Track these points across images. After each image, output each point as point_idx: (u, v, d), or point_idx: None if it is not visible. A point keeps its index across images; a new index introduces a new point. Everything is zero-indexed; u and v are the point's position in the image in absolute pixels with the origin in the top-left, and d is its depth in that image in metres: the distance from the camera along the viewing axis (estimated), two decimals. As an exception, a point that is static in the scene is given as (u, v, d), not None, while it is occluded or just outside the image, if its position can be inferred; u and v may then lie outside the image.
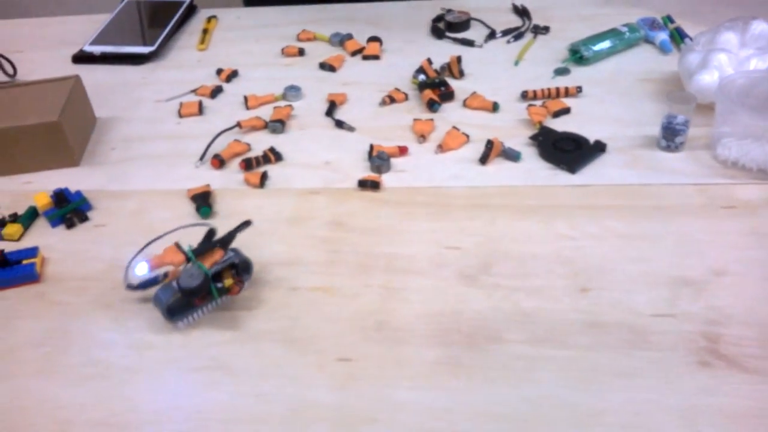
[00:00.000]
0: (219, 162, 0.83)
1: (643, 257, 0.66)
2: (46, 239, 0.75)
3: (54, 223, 0.78)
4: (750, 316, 0.60)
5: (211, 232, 0.65)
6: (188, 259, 0.63)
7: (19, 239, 0.76)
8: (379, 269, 0.68)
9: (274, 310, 0.64)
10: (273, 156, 0.83)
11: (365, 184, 0.77)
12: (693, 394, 0.54)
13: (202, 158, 0.85)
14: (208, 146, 0.86)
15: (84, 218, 0.78)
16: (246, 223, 0.65)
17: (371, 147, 0.82)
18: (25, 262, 0.71)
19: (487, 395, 0.55)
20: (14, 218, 0.78)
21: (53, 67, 1.09)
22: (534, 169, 0.78)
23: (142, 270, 0.64)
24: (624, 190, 0.74)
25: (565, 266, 0.66)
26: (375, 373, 0.58)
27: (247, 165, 0.82)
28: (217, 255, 0.64)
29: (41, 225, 0.78)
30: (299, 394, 0.57)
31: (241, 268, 0.66)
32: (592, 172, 0.77)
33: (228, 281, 0.63)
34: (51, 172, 0.86)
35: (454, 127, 0.84)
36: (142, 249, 0.66)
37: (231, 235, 0.65)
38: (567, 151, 0.78)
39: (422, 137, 0.84)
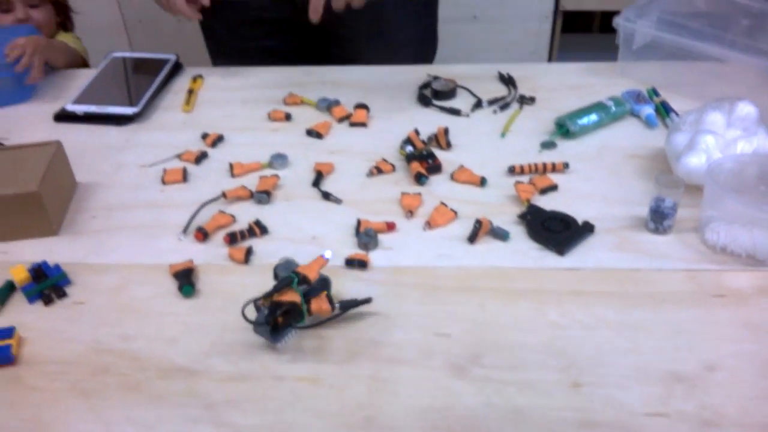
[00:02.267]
0: (203, 235, 0.81)
1: (635, 349, 0.65)
2: (23, 316, 0.73)
3: (31, 299, 0.75)
4: (745, 416, 0.59)
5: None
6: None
7: (-7, 316, 0.74)
8: (367, 357, 0.66)
9: (258, 402, 0.62)
10: (258, 229, 0.82)
11: (352, 263, 0.76)
12: (689, 503, 0.53)
13: (185, 230, 0.83)
14: (192, 218, 0.84)
15: (62, 294, 0.75)
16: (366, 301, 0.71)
17: (359, 222, 0.81)
18: (0, 343, 0.69)
19: (479, 502, 0.54)
20: (-10, 293, 0.75)
21: (33, 125, 1.07)
22: (523, 249, 0.78)
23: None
24: (613, 275, 0.74)
25: (557, 358, 0.65)
26: (363, 476, 0.56)
27: (232, 239, 0.80)
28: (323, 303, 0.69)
29: (18, 299, 0.75)
30: (284, 499, 0.55)
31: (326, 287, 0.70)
32: (581, 254, 0.77)
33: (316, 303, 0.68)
34: (28, 241, 0.84)
35: (442, 203, 0.83)
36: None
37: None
38: (556, 232, 0.78)
39: (410, 212, 0.83)
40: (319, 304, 0.68)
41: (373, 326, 0.69)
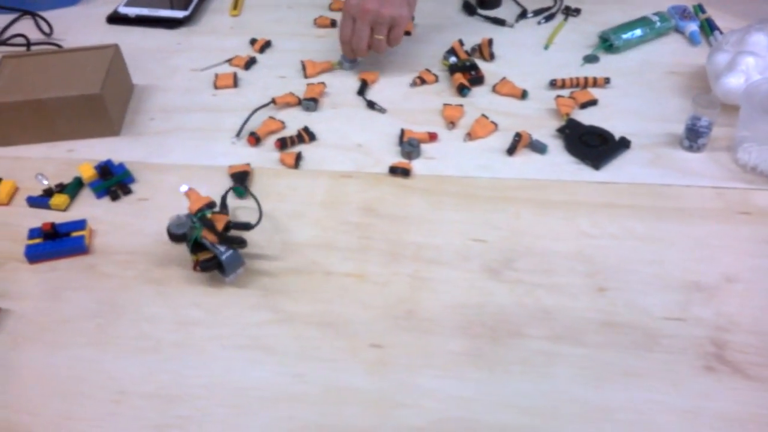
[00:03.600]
0: (255, 139, 0.86)
1: (659, 259, 0.70)
2: (92, 210, 0.80)
3: (99, 194, 0.81)
4: (756, 325, 0.64)
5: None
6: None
7: (65, 209, 0.80)
8: (409, 258, 0.72)
9: (310, 293, 0.69)
10: (307, 136, 0.86)
11: (396, 171, 0.81)
12: (697, 397, 0.59)
13: (238, 135, 0.88)
14: (244, 123, 0.88)
15: (128, 191, 0.82)
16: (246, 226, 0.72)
17: (402, 132, 0.85)
18: (74, 234, 0.75)
19: (508, 388, 0.60)
20: (61, 188, 0.82)
21: (87, 27, 1.11)
22: (559, 162, 0.81)
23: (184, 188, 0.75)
24: (645, 190, 0.77)
25: (585, 264, 0.70)
26: (404, 361, 0.63)
27: (282, 144, 0.85)
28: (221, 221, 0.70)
29: (86, 195, 0.82)
30: (334, 377, 0.62)
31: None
32: (616, 169, 0.80)
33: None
34: (92, 140, 0.89)
35: (483, 115, 0.87)
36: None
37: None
38: (592, 146, 0.81)
39: (452, 123, 0.87)
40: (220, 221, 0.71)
41: (415, 231, 0.75)
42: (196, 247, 0.69)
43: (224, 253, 0.68)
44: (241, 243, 0.70)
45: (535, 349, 0.63)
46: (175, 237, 0.69)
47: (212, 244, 0.68)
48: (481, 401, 0.59)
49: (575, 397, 0.59)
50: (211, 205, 0.75)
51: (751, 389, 0.59)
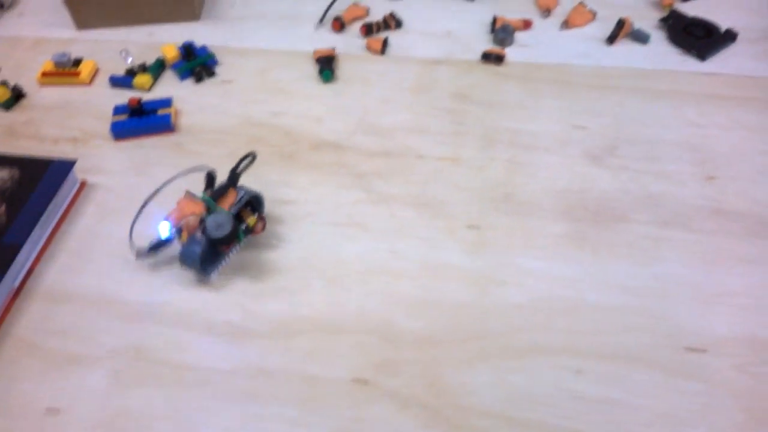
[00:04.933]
0: (340, 25, 0.83)
1: (773, 150, 0.67)
2: (176, 91, 0.78)
3: (183, 76, 0.80)
4: None
5: (210, 176, 0.61)
6: (208, 208, 0.59)
7: (149, 89, 0.79)
8: (504, 143, 0.69)
9: (403, 175, 0.67)
10: (393, 22, 0.83)
11: (489, 57, 0.77)
12: (815, 285, 0.56)
13: (322, 20, 0.85)
14: (328, 8, 0.86)
15: (211, 73, 0.80)
16: (249, 156, 0.64)
17: (494, 19, 0.82)
18: (160, 111, 0.74)
19: (613, 269, 0.58)
20: (144, 68, 0.80)
21: None
22: (663, 52, 0.77)
23: (165, 230, 0.59)
24: (753, 82, 0.73)
25: (693, 153, 0.67)
26: (503, 242, 0.61)
27: (368, 30, 0.82)
28: (231, 196, 0.60)
29: (169, 77, 0.80)
30: (432, 254, 0.60)
31: (255, 204, 0.62)
32: (722, 61, 0.76)
33: (251, 220, 0.59)
34: (172, 25, 0.87)
35: (581, 3, 0.82)
36: (140, 210, 0.62)
37: (237, 173, 0.61)
38: (698, 37, 0.77)
39: (547, 11, 0.83)
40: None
41: (510, 117, 0.72)
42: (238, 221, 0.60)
43: (247, 192, 0.60)
44: (250, 156, 0.63)
45: (641, 233, 0.61)
46: (221, 241, 0.57)
47: (236, 200, 0.60)
48: (586, 281, 0.58)
49: (686, 279, 0.57)
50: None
51: None
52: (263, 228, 0.60)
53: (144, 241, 0.62)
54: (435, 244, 0.61)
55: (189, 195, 0.60)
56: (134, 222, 0.61)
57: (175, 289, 0.59)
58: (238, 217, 0.60)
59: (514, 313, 0.56)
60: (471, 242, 0.61)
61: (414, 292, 0.58)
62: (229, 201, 0.60)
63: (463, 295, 0.57)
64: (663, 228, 0.61)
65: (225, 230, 0.56)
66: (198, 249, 0.57)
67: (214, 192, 0.60)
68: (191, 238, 0.58)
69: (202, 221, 0.58)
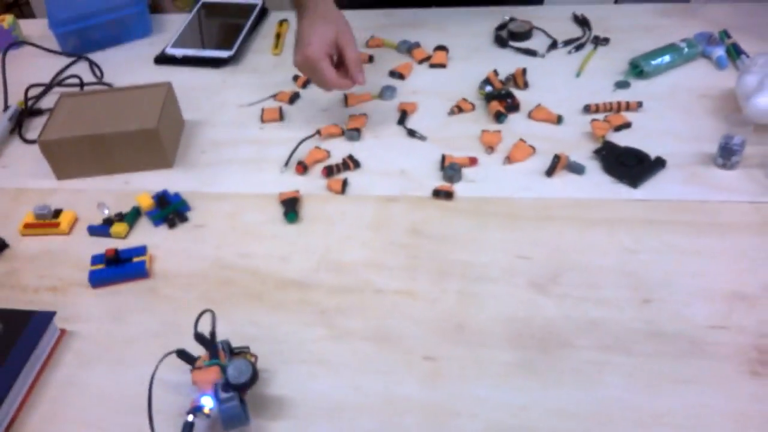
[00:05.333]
0: (303, 168, 0.90)
1: (701, 272, 0.72)
2: (151, 238, 0.84)
3: (157, 222, 0.86)
4: (800, 331, 0.66)
5: (202, 337, 0.63)
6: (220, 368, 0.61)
7: (125, 237, 0.84)
8: (456, 276, 0.75)
9: (363, 310, 0.72)
10: (352, 163, 0.90)
11: (439, 194, 0.84)
12: (744, 401, 0.60)
13: (286, 164, 0.92)
14: (292, 153, 0.93)
15: (184, 219, 0.86)
16: (205, 312, 0.65)
17: (443, 157, 0.89)
18: (135, 259, 0.79)
19: (560, 396, 0.62)
20: (120, 217, 0.86)
21: (136, 68, 1.16)
22: (598, 182, 0.84)
23: (210, 402, 0.60)
24: (683, 206, 0.80)
25: (628, 278, 0.72)
26: (457, 372, 0.65)
27: (329, 172, 0.89)
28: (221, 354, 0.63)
29: (144, 224, 0.86)
30: (391, 389, 0.64)
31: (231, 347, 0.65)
32: (653, 187, 0.83)
33: (250, 356, 0.64)
34: (147, 173, 0.94)
35: (521, 140, 0.90)
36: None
37: (213, 334, 0.64)
38: (629, 166, 0.84)
39: (490, 148, 0.90)
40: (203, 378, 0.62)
41: (460, 250, 0.77)
42: None
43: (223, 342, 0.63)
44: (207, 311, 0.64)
45: (584, 358, 0.65)
46: (243, 386, 0.60)
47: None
48: (535, 409, 0.61)
49: (627, 403, 0.61)
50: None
51: (799, 393, 0.61)
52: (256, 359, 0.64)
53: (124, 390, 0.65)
54: (394, 377, 0.65)
55: (195, 370, 0.62)
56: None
57: (146, 437, 0.62)
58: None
59: (469, 444, 0.59)
60: (427, 374, 0.65)
61: (374, 427, 0.61)
62: (221, 356, 0.63)
63: (420, 429, 0.61)
64: (604, 353, 0.65)
65: (247, 374, 0.60)
66: (236, 402, 0.59)
67: (212, 351, 0.63)
68: (219, 400, 0.59)
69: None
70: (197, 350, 0.63)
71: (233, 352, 0.65)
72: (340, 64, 0.94)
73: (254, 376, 0.60)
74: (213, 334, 0.64)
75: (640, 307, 0.69)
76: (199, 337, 0.64)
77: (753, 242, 0.75)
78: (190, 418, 0.59)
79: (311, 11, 0.94)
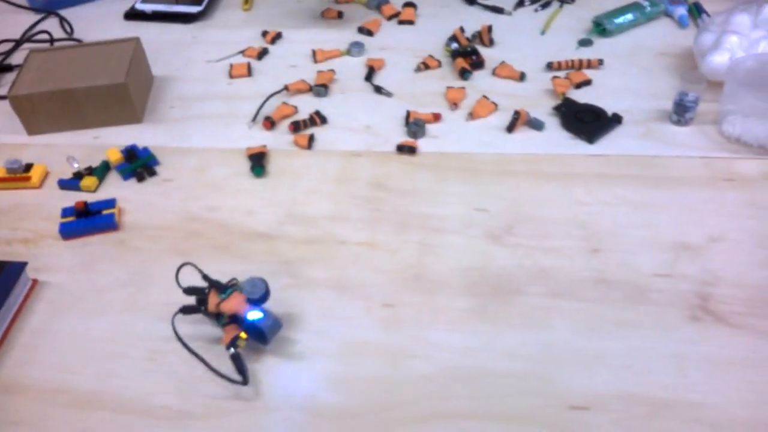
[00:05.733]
0: (270, 123, 0.92)
1: (649, 223, 0.75)
2: (120, 191, 0.85)
3: (126, 176, 0.87)
4: (739, 278, 0.69)
5: (207, 279, 0.68)
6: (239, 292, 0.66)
7: (95, 190, 0.86)
8: (416, 227, 0.77)
9: (326, 260, 0.75)
10: (319, 119, 0.92)
11: (403, 149, 0.86)
12: (683, 344, 0.64)
13: (254, 119, 0.93)
14: (259, 108, 0.94)
15: (152, 173, 0.87)
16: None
17: (408, 113, 0.91)
18: (105, 212, 0.81)
19: (509, 339, 0.66)
20: (90, 171, 0.87)
21: (105, 24, 1.16)
22: (556, 138, 0.87)
23: (257, 314, 0.64)
24: (636, 161, 0.83)
25: (580, 229, 0.75)
26: (414, 318, 0.68)
27: (296, 127, 0.91)
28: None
29: (113, 178, 0.88)
30: (352, 333, 0.67)
31: (254, 333, 0.66)
32: (609, 143, 0.86)
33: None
34: (117, 128, 0.95)
35: (484, 96, 0.92)
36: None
37: (203, 278, 0.68)
38: (587, 122, 0.87)
39: (454, 104, 0.92)
40: (229, 331, 0.65)
41: (422, 202, 0.80)
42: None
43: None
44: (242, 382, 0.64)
45: (534, 304, 0.68)
46: (259, 301, 0.65)
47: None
48: (486, 351, 0.65)
49: (572, 345, 0.65)
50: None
51: (733, 335, 0.65)
52: (230, 343, 0.65)
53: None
54: (353, 323, 0.68)
55: (223, 303, 0.65)
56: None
57: (122, 375, 0.65)
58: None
59: (423, 384, 0.63)
60: (386, 320, 0.68)
61: (335, 369, 0.64)
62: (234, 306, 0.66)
63: (378, 369, 0.64)
64: (553, 299, 0.69)
65: (261, 288, 0.65)
66: (273, 316, 0.65)
67: (217, 287, 0.67)
68: (263, 316, 0.65)
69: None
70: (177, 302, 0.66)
71: (227, 286, 0.68)
72: None
73: (267, 288, 0.66)
74: (206, 276, 0.68)
75: (589, 257, 0.73)
76: (189, 290, 0.67)
77: (701, 195, 0.78)
78: (231, 350, 0.64)
79: None
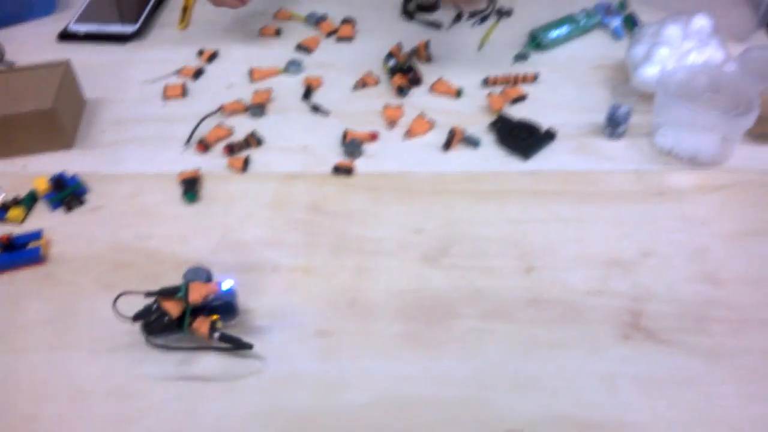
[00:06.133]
0: (204, 146, 0.90)
1: (582, 239, 0.76)
2: (48, 221, 0.83)
3: (54, 206, 0.85)
4: (669, 293, 0.70)
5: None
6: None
7: (22, 221, 0.83)
8: (352, 251, 0.76)
9: (260, 289, 0.73)
10: (254, 141, 0.90)
11: (339, 171, 0.85)
12: (615, 363, 0.65)
13: (188, 142, 0.92)
14: (193, 131, 0.92)
15: (81, 202, 0.85)
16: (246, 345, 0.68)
17: (345, 133, 0.90)
18: (31, 245, 0.78)
19: (444, 364, 0.65)
20: (16, 202, 0.84)
21: (39, 45, 1.13)
22: (491, 155, 0.87)
23: (230, 283, 0.67)
24: (569, 176, 0.83)
25: (513, 248, 0.75)
26: (348, 346, 0.67)
27: (231, 150, 0.89)
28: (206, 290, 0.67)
29: (41, 207, 0.85)
30: (283, 365, 0.66)
31: (223, 310, 0.68)
32: (543, 158, 0.86)
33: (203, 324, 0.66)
34: (46, 154, 0.92)
35: (420, 114, 0.92)
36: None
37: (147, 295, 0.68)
38: (521, 139, 0.87)
39: (391, 123, 0.92)
40: (200, 324, 0.66)
41: (358, 224, 0.79)
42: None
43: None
44: (247, 346, 0.67)
45: (468, 327, 0.68)
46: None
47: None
48: (421, 378, 0.64)
49: (506, 369, 0.64)
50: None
51: (663, 353, 0.65)
52: (206, 335, 0.66)
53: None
54: (286, 353, 0.67)
55: (192, 294, 0.66)
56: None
57: (48, 417, 0.62)
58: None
59: (357, 415, 0.62)
60: (320, 349, 0.67)
61: (266, 402, 0.63)
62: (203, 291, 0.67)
63: (311, 402, 0.63)
64: (487, 321, 0.68)
65: (204, 272, 0.69)
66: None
67: (170, 290, 0.67)
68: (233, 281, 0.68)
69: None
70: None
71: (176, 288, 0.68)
72: None
73: (209, 271, 0.69)
74: (149, 291, 0.67)
75: (522, 276, 0.72)
76: (139, 315, 0.67)
77: (632, 209, 0.79)
78: (217, 334, 0.66)
79: None
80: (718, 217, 0.78)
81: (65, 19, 1.18)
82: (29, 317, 0.72)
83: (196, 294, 0.66)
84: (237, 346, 0.67)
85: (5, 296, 0.74)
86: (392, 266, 0.74)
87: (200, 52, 1.08)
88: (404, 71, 0.98)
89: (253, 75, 1.02)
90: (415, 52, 1.03)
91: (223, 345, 0.66)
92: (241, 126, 0.94)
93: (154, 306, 0.67)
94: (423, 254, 0.75)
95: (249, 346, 0.67)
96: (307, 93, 0.98)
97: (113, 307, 0.66)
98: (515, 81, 0.97)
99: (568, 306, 0.69)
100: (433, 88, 0.97)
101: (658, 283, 0.71)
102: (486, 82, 0.97)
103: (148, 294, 0.67)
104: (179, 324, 0.67)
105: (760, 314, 0.69)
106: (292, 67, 1.02)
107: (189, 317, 0.66)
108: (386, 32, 1.10)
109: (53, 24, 1.18)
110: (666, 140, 0.84)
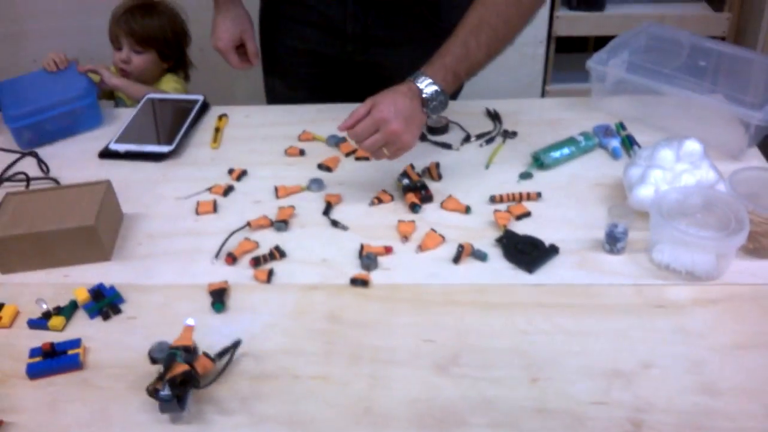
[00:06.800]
0: (232, 259, 0.97)
1: (584, 351, 0.80)
2: (86, 329, 0.89)
3: (92, 315, 0.91)
4: (669, 404, 0.74)
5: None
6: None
7: (62, 329, 0.90)
8: (367, 360, 0.81)
9: (280, 396, 0.78)
10: (278, 253, 0.98)
11: (356, 282, 0.92)
12: (617, 472, 0.68)
13: (217, 255, 0.99)
14: (222, 245, 1.00)
15: (118, 311, 0.92)
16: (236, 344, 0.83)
17: (361, 247, 0.97)
18: (70, 352, 0.85)
19: (453, 472, 0.69)
20: (57, 311, 0.91)
21: (81, 163, 1.23)
22: (498, 268, 0.93)
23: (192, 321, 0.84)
24: (572, 290, 0.89)
25: (521, 358, 0.80)
26: (363, 453, 0.71)
27: (256, 262, 0.96)
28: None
29: (81, 316, 0.91)
30: (301, 471, 0.70)
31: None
32: (547, 272, 0.92)
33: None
34: (85, 266, 1.00)
35: (432, 229, 0.99)
36: None
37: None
38: (526, 253, 0.93)
39: (405, 237, 0.99)
40: (202, 364, 0.79)
41: (373, 334, 0.85)
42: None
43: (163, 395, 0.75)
44: (237, 343, 0.82)
45: (477, 435, 0.72)
46: (153, 360, 0.80)
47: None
48: (431, 485, 0.68)
49: (512, 477, 0.68)
50: (186, 349, 0.80)
51: (663, 462, 0.68)
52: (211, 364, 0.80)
53: None
54: (305, 459, 0.71)
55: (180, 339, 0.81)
56: None
57: None
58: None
59: None
60: (336, 456, 0.71)
61: (284, 508, 0.66)
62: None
63: (326, 507, 0.66)
64: (495, 430, 0.72)
65: (165, 345, 0.81)
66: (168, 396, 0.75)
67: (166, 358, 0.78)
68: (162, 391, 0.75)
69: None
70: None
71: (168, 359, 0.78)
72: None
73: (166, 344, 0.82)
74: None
75: (529, 386, 0.77)
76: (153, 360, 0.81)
77: (632, 322, 0.84)
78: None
79: (224, 11, 1.31)
80: (715, 330, 0.83)
81: (108, 135, 1.28)
82: (67, 421, 0.77)
83: (188, 340, 0.80)
84: (231, 348, 0.82)
85: (45, 400, 0.80)
86: (405, 375, 0.79)
87: (230, 171, 1.17)
88: (417, 189, 1.06)
89: (278, 192, 1.10)
90: (427, 171, 1.12)
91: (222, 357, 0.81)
92: (266, 239, 1.01)
93: (168, 389, 0.74)
94: (434, 363, 0.80)
95: (238, 343, 0.82)
96: (328, 209, 1.06)
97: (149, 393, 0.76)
98: (520, 198, 1.04)
99: (573, 416, 0.73)
100: (443, 205, 1.05)
101: (658, 394, 0.75)
102: (493, 200, 1.04)
103: (158, 380, 0.75)
104: (193, 380, 0.76)
105: (756, 425, 0.72)
106: (314, 185, 1.11)
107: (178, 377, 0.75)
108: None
109: (95, 141, 1.28)
110: (663, 256, 0.90)
